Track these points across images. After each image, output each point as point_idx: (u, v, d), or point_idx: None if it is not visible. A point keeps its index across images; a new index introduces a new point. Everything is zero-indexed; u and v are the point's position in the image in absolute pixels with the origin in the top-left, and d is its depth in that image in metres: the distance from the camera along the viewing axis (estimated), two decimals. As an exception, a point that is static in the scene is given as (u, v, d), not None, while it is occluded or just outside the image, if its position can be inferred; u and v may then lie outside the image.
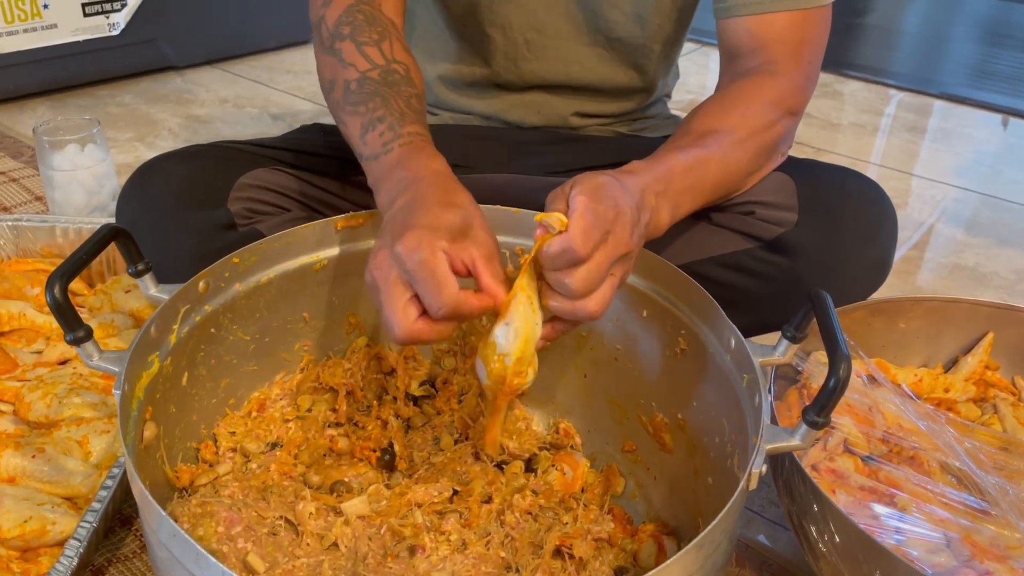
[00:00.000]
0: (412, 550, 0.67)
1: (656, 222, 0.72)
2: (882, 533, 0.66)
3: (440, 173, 0.72)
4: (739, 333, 0.72)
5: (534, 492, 0.82)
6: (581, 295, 0.63)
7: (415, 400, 0.94)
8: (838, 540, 0.64)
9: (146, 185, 0.90)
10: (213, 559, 0.50)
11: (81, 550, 0.71)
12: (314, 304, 0.89)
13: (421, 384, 0.95)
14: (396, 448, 0.89)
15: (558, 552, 0.72)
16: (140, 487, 0.57)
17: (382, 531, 0.68)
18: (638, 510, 0.89)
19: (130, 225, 0.89)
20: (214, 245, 0.87)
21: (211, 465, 0.80)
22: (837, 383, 0.58)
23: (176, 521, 0.66)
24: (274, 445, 0.85)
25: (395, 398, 0.93)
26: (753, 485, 0.61)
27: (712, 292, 0.88)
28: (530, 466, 0.90)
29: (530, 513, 0.79)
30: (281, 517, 0.69)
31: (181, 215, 0.88)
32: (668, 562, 0.53)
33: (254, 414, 0.86)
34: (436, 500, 0.81)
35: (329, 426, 0.89)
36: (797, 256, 0.88)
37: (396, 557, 0.66)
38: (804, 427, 0.61)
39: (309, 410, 0.89)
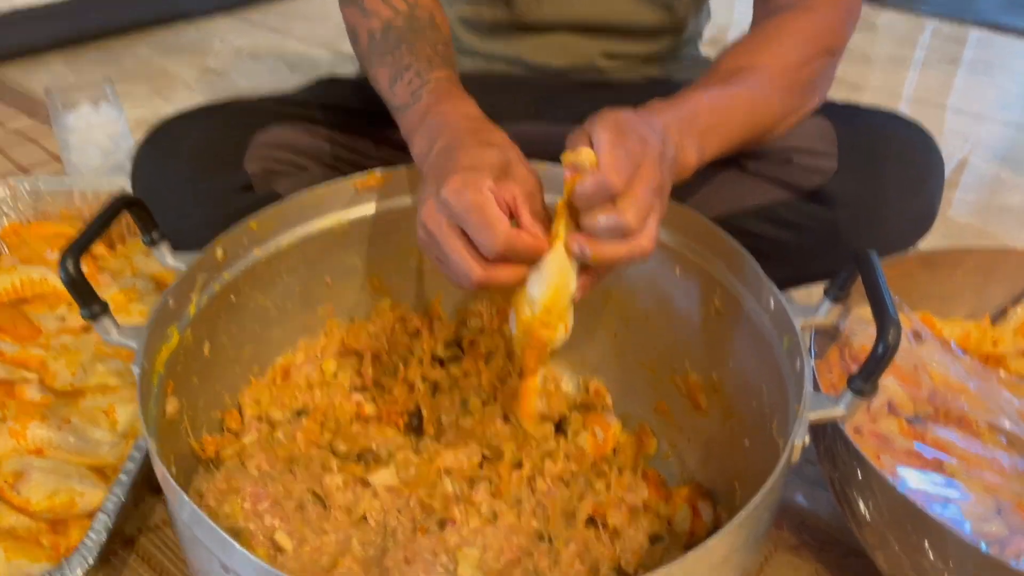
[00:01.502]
0: (442, 523, 0.66)
1: (683, 160, 0.68)
2: (930, 501, 0.63)
3: (471, 116, 0.70)
4: (778, 293, 0.69)
5: (566, 457, 0.80)
6: (631, 229, 0.59)
7: (441, 362, 0.92)
8: (884, 509, 0.62)
9: (159, 149, 0.87)
10: (236, 544, 0.49)
11: (110, 523, 0.70)
12: (336, 267, 0.87)
13: (447, 346, 0.93)
14: (423, 412, 0.87)
15: (591, 520, 0.71)
16: (162, 469, 0.55)
17: (411, 503, 0.67)
18: (672, 471, 0.87)
19: (144, 191, 0.87)
20: (231, 209, 0.84)
21: (236, 435, 0.79)
22: (886, 350, 0.55)
23: (202, 498, 0.65)
24: (300, 412, 0.83)
25: (421, 360, 0.91)
26: (795, 458, 0.58)
27: (747, 245, 0.84)
28: (560, 428, 0.88)
29: (562, 479, 0.77)
30: (309, 490, 0.68)
31: (197, 181, 0.85)
32: (710, 540, 0.51)
33: (278, 381, 0.84)
34: (466, 466, 0.79)
35: (355, 391, 0.88)
36: (837, 207, 0.84)
37: (427, 532, 0.64)
38: (849, 395, 0.58)
39: (335, 375, 0.88)
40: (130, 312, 0.97)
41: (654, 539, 0.73)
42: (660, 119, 0.66)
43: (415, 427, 0.87)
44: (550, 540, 0.69)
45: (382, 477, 0.69)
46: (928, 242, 0.88)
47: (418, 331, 0.93)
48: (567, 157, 0.60)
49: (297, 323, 0.87)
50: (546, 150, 0.88)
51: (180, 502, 0.53)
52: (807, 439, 0.58)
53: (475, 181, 0.59)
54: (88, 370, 0.90)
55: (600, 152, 0.58)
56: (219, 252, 0.75)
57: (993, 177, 1.49)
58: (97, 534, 0.69)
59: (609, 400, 0.92)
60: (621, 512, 0.70)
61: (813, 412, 0.59)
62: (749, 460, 0.76)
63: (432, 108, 0.72)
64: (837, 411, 0.59)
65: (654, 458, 0.89)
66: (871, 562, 0.67)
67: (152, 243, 0.72)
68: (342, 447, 0.79)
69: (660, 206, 0.62)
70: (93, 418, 0.85)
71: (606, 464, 0.83)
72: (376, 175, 0.84)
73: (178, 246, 0.86)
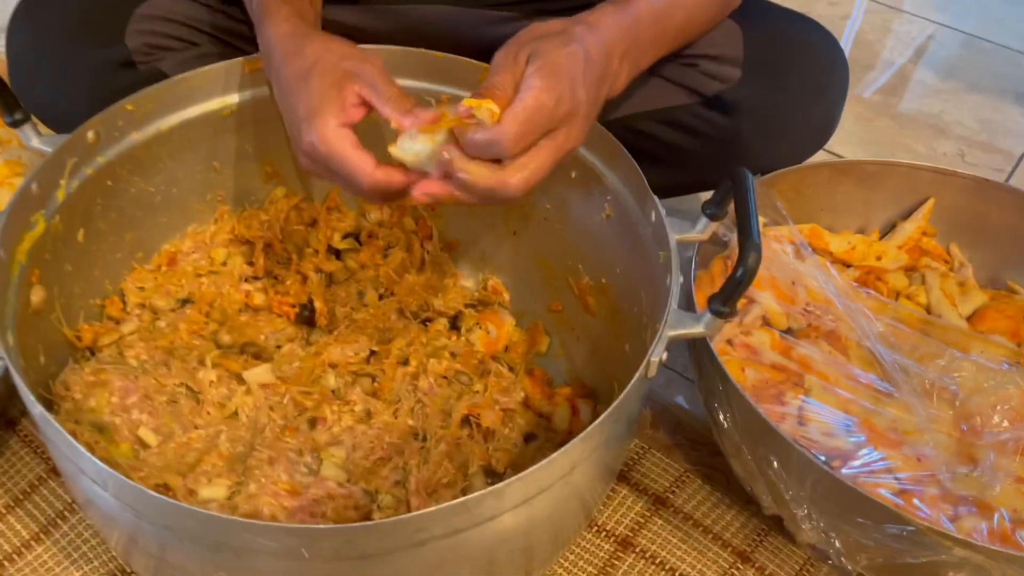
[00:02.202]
0: (313, 422, 0.67)
1: (613, 89, 0.68)
2: (785, 415, 0.66)
3: (283, 36, 0.68)
4: (660, 207, 0.69)
5: (453, 355, 0.81)
6: (507, 186, 0.59)
7: (338, 254, 0.91)
8: (739, 421, 0.64)
9: (34, 16, 0.82)
10: (82, 448, 0.49)
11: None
12: (224, 152, 0.84)
13: (344, 237, 0.91)
14: (316, 304, 0.86)
15: (466, 420, 0.72)
16: (13, 366, 0.54)
17: (284, 401, 0.68)
18: (560, 369, 0.89)
19: (17, 62, 0.82)
20: (112, 87, 0.80)
21: (117, 322, 0.78)
22: (745, 273, 0.56)
23: (68, 390, 0.65)
24: (185, 302, 0.82)
25: (317, 251, 0.90)
26: (652, 373, 0.60)
27: (647, 148, 0.84)
28: (455, 324, 0.89)
29: (445, 377, 0.78)
30: (182, 384, 0.68)
31: (73, 52, 0.80)
32: (567, 446, 0.53)
33: (164, 268, 0.83)
34: (352, 360, 0.80)
35: (245, 280, 0.86)
36: (738, 115, 0.83)
37: (296, 430, 0.65)
38: (708, 315, 0.59)
39: (224, 264, 0.86)
40: (13, 187, 0.94)
41: (528, 437, 0.75)
42: (603, 42, 0.65)
43: (307, 318, 0.87)
44: (424, 438, 0.71)
45: (257, 375, 0.69)
46: (842, 150, 0.88)
47: (314, 221, 0.91)
48: (469, 103, 0.58)
49: (185, 209, 0.84)
50: (452, 35, 0.85)
51: (30, 403, 0.53)
52: (665, 356, 0.59)
53: (321, 130, 0.61)
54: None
55: (515, 108, 0.58)
56: (91, 135, 0.72)
57: (923, 83, 1.49)
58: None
59: (506, 296, 0.93)
60: (494, 413, 0.71)
61: (673, 330, 0.60)
62: (628, 364, 0.77)
63: (259, 31, 0.71)
64: (696, 329, 0.60)
65: (545, 356, 0.90)
66: (732, 466, 0.71)
67: (15, 124, 0.68)
68: (226, 338, 0.78)
69: (553, 164, 0.62)
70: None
71: (493, 362, 0.85)
72: (266, 58, 0.80)
73: (55, 125, 0.82)
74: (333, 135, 0.61)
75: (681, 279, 0.64)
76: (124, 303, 0.80)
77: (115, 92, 0.76)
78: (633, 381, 0.58)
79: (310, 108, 0.62)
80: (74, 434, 0.58)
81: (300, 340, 0.84)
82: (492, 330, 0.90)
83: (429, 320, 0.88)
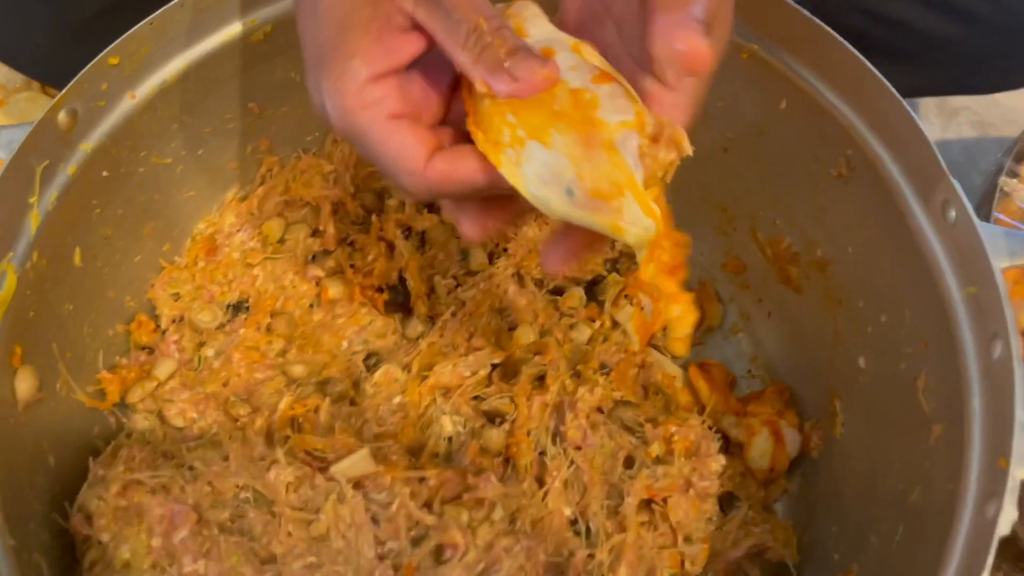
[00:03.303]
0: (438, 551, 0.46)
1: None
2: None
3: None
4: (965, 201, 0.42)
5: (603, 368, 0.59)
6: None
7: (429, 206, 0.66)
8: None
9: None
10: None
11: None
12: (262, 88, 0.58)
13: (438, 178, 0.66)
14: (410, 282, 0.64)
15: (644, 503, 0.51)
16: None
17: (394, 507, 0.47)
18: (741, 352, 0.66)
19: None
20: (83, 9, 0.54)
21: (150, 352, 0.57)
22: None
23: (91, 525, 0.46)
24: (237, 307, 0.61)
25: (403, 204, 0.65)
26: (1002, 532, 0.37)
27: (894, 40, 0.56)
28: (593, 294, 0.66)
29: (601, 410, 0.56)
30: (247, 488, 0.47)
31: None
32: None
33: (202, 262, 0.60)
34: (469, 381, 0.59)
35: (313, 259, 0.64)
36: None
37: (415, 569, 0.45)
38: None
39: (281, 241, 0.63)
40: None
41: (724, 500, 0.54)
42: None
43: (400, 304, 0.65)
44: (587, 532, 0.50)
45: (351, 467, 0.48)
46: None
47: (396, 161, 0.66)
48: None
49: (218, 172, 0.61)
50: None
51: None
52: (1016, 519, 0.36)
53: (338, 90, 0.35)
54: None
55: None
56: (63, 118, 0.47)
57: None
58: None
59: (660, 244, 0.68)
60: (687, 500, 0.50)
61: (1028, 466, 0.37)
62: (862, 384, 0.55)
63: None
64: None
65: (718, 330, 0.67)
66: None
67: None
68: (298, 369, 0.57)
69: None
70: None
71: (656, 353, 0.63)
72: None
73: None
74: (355, 101, 0.35)
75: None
76: (157, 320, 0.58)
77: (89, 20, 0.50)
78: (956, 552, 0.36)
79: (320, 45, 0.36)
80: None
81: (393, 336, 0.62)
82: (647, 303, 0.66)
83: (559, 291, 0.65)
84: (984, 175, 0.77)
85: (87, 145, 0.49)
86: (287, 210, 0.63)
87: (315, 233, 0.64)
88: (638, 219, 0.35)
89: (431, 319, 0.64)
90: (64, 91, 0.46)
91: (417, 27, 0.35)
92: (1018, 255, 0.41)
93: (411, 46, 0.36)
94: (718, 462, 0.51)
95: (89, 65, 0.47)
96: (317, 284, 0.62)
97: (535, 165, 0.35)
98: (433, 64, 0.37)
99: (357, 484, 0.48)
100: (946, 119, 0.91)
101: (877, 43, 0.57)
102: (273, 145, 0.62)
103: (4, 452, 0.44)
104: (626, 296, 0.66)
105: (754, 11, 0.50)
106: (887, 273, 0.50)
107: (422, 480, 0.49)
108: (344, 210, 0.65)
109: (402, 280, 0.65)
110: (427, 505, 0.49)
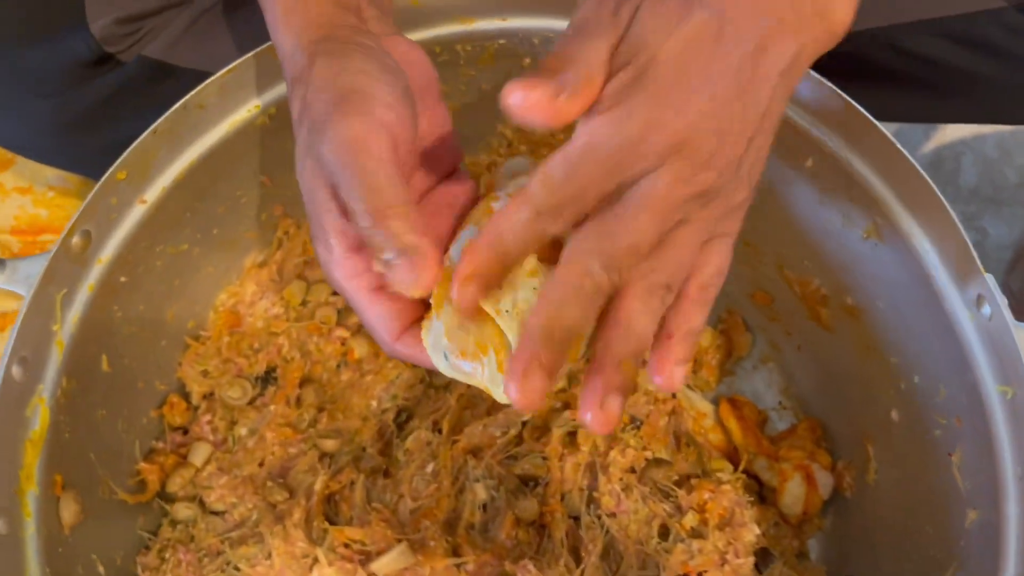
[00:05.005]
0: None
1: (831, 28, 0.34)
2: None
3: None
4: (1000, 301, 0.41)
5: (635, 424, 0.59)
6: None
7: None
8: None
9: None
10: None
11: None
12: (273, 160, 0.57)
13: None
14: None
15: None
16: None
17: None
18: (770, 383, 0.66)
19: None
20: (82, 102, 0.52)
21: (185, 432, 0.58)
22: None
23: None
24: (267, 378, 0.61)
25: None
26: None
27: (917, 73, 0.54)
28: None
29: (633, 471, 0.56)
30: (290, 585, 0.49)
31: (17, 53, 0.52)
32: None
33: (226, 336, 0.60)
34: (499, 440, 0.59)
35: (339, 313, 0.63)
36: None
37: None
38: None
39: (303, 303, 0.63)
40: None
41: (759, 556, 0.55)
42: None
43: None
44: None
45: (389, 564, 0.49)
46: None
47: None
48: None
49: (235, 243, 0.60)
50: None
51: None
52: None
53: (324, 258, 0.38)
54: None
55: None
56: (76, 242, 0.47)
57: None
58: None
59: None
60: (723, 572, 0.50)
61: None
62: (895, 437, 0.55)
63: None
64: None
65: (746, 359, 0.67)
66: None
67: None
68: (330, 443, 0.58)
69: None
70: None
71: (691, 396, 0.63)
72: (306, 30, 0.49)
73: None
74: (339, 272, 0.38)
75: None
76: (188, 399, 0.59)
77: (86, 109, 0.49)
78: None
79: (308, 214, 0.39)
80: None
81: (421, 386, 0.63)
82: (675, 337, 0.66)
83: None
84: (1018, 171, 0.74)
85: (103, 258, 0.49)
86: (307, 270, 0.63)
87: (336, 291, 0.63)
88: (496, 381, 0.35)
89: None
90: (75, 217, 0.46)
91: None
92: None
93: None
94: (752, 532, 0.52)
95: (97, 186, 0.46)
96: (343, 344, 0.63)
97: (433, 334, 0.37)
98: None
99: (397, 578, 0.49)
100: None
101: (905, 77, 0.55)
102: (287, 209, 0.61)
103: (57, 578, 0.45)
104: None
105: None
106: (920, 341, 0.49)
107: (459, 566, 0.50)
108: (364, 262, 0.64)
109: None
110: (466, 591, 0.50)
